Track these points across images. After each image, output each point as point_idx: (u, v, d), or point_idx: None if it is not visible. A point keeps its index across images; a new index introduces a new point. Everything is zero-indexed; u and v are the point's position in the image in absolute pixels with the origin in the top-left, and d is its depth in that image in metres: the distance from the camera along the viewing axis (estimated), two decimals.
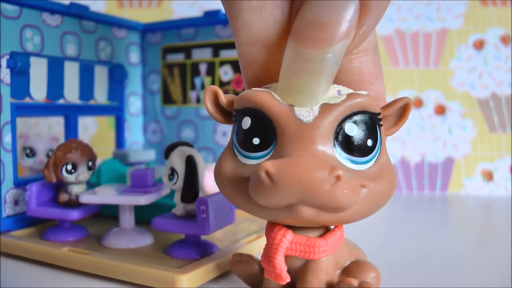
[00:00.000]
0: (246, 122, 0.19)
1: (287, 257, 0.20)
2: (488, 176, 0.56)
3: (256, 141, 0.18)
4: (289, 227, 0.19)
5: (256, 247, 0.30)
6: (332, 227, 0.20)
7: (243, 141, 0.19)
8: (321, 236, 0.19)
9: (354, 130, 0.18)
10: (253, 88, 0.19)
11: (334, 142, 0.18)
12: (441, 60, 0.58)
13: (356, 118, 0.18)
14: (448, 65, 0.58)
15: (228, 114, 0.21)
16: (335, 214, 0.18)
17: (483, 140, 0.57)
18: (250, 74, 0.20)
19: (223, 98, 0.20)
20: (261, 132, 0.18)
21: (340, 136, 0.18)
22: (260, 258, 0.21)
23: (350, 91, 0.19)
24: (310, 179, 0.16)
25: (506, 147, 0.56)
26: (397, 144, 0.58)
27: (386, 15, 0.59)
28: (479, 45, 0.57)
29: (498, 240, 0.36)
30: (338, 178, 0.16)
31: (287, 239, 0.19)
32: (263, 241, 0.21)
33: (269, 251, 0.19)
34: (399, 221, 0.43)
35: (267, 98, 0.18)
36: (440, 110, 0.57)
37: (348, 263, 0.21)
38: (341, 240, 0.20)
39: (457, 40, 0.58)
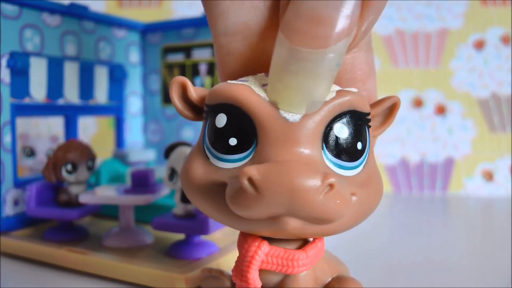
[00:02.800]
0: (221, 120, 0.16)
1: (262, 273, 0.18)
2: (488, 176, 0.56)
3: (233, 141, 0.16)
4: (265, 237, 0.17)
5: None
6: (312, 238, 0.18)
7: (216, 141, 0.16)
8: (299, 248, 0.17)
9: (345, 132, 0.16)
10: (228, 81, 0.17)
11: (322, 145, 0.16)
12: (441, 60, 0.58)
13: (346, 118, 0.16)
14: (448, 65, 0.58)
15: (198, 109, 0.18)
16: (322, 226, 0.16)
17: (483, 140, 0.57)
18: (227, 68, 0.18)
19: (193, 91, 0.18)
20: (239, 131, 0.16)
21: (329, 138, 0.16)
22: (231, 273, 0.18)
23: (338, 88, 0.17)
24: (300, 187, 0.14)
25: (506, 147, 0.56)
26: (397, 144, 0.58)
27: (386, 15, 0.59)
28: (479, 45, 0.57)
29: (498, 240, 0.36)
30: (331, 186, 0.14)
31: (262, 251, 0.17)
32: None
33: (241, 264, 0.17)
34: (398, 221, 0.43)
35: (246, 92, 0.16)
36: (440, 110, 0.57)
37: (330, 279, 0.19)
38: (321, 253, 0.18)
39: (457, 40, 0.57)
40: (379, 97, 0.20)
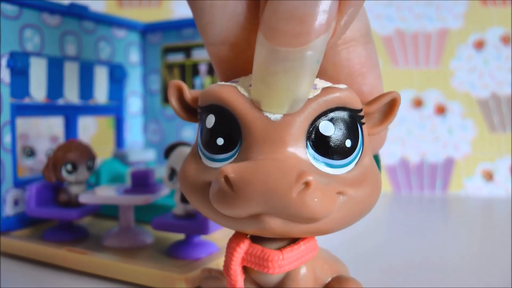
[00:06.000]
0: (211, 120, 0.17)
1: (260, 272, 0.18)
2: (488, 176, 0.56)
3: (220, 141, 0.16)
4: (252, 236, 0.18)
5: None
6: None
7: (207, 141, 0.17)
8: (282, 248, 0.17)
9: (330, 129, 0.16)
10: (218, 82, 0.17)
11: (307, 143, 0.16)
12: (441, 60, 0.58)
13: (332, 115, 0.16)
14: (448, 65, 0.58)
15: (194, 111, 0.19)
16: (307, 225, 0.15)
17: (483, 140, 0.57)
18: (222, 73, 0.19)
19: (188, 94, 0.18)
20: (226, 131, 0.16)
21: (313, 136, 0.16)
22: None
23: (328, 84, 0.17)
24: (274, 186, 0.14)
25: (506, 147, 0.56)
26: (397, 144, 0.58)
27: (386, 15, 0.59)
28: (479, 45, 0.57)
29: (498, 240, 0.36)
30: (307, 184, 0.14)
31: (241, 249, 0.17)
32: None
33: (226, 259, 0.18)
34: (398, 221, 0.43)
35: (231, 93, 0.16)
36: (440, 110, 0.57)
37: (329, 279, 0.19)
38: (307, 254, 0.18)
39: (457, 40, 0.58)
40: None
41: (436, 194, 0.56)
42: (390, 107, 0.18)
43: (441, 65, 0.58)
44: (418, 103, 0.58)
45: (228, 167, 0.15)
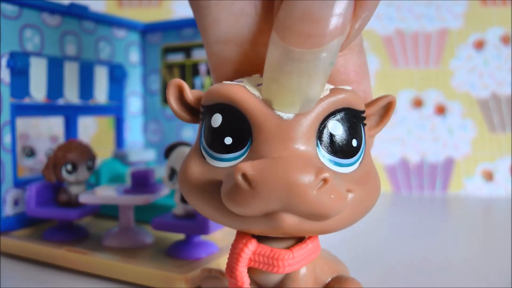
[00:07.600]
0: (217, 120, 0.17)
1: (261, 272, 0.18)
2: (488, 176, 0.56)
3: (228, 140, 0.16)
4: (257, 236, 0.17)
5: None
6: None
7: (212, 141, 0.17)
8: (290, 247, 0.17)
9: (339, 129, 0.16)
10: (224, 82, 0.17)
11: (317, 142, 0.16)
12: (441, 60, 0.58)
13: (340, 115, 0.16)
14: (448, 65, 0.58)
15: (194, 111, 0.19)
16: (319, 223, 0.16)
17: (483, 140, 0.57)
18: (221, 74, 0.19)
19: (189, 93, 0.18)
20: (234, 130, 0.16)
21: (323, 135, 0.16)
22: None
23: (332, 86, 0.17)
24: (294, 182, 0.14)
25: (506, 147, 0.56)
26: (397, 144, 0.58)
27: (386, 15, 0.59)
28: (479, 45, 0.57)
29: (498, 240, 0.36)
30: (325, 181, 0.14)
31: (249, 249, 0.17)
32: None
33: (231, 261, 0.18)
34: (398, 222, 0.43)
35: (241, 92, 0.16)
36: (440, 110, 0.57)
37: (329, 279, 0.19)
38: (313, 253, 0.18)
39: (457, 40, 0.58)
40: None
41: (436, 194, 0.56)
42: (386, 110, 0.19)
43: (441, 65, 0.58)
44: (418, 103, 0.58)
45: (246, 164, 0.14)
